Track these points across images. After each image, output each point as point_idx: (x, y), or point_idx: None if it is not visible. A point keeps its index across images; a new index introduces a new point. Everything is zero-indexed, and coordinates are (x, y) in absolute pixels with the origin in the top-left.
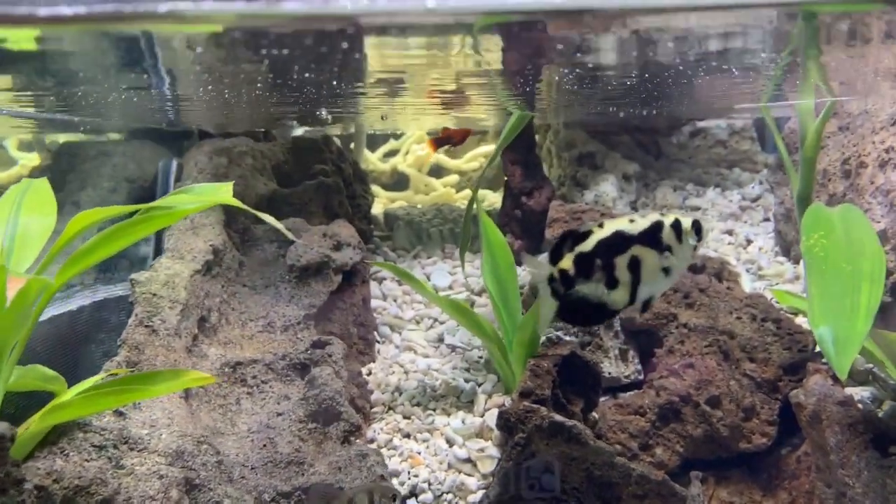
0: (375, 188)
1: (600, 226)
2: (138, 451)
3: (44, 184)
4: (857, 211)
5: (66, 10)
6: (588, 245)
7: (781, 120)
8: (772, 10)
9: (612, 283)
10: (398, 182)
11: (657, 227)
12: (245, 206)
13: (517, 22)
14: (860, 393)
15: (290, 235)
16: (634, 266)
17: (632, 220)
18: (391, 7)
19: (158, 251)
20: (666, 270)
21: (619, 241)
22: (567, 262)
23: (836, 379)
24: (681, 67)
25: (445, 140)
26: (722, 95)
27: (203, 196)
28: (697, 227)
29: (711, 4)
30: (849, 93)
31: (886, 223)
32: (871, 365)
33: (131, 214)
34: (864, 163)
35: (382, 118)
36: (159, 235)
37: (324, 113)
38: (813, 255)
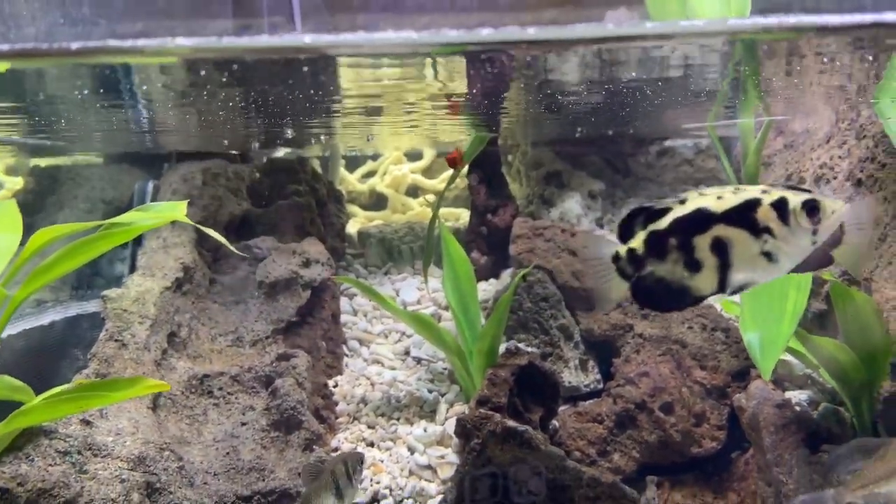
0: (354, 208)
1: (682, 202)
2: (102, 457)
3: (11, 204)
4: None
5: (29, 46)
6: (663, 223)
7: (735, 139)
8: (713, 39)
9: (693, 266)
10: (378, 202)
11: (750, 205)
12: (193, 223)
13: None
14: (798, 396)
15: (233, 249)
16: (720, 248)
17: (720, 197)
18: (323, 41)
19: (133, 269)
20: (768, 256)
21: (700, 220)
22: (637, 241)
23: (776, 384)
24: (632, 88)
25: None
26: (670, 115)
27: (160, 214)
28: (811, 207)
29: (657, 34)
30: (790, 112)
31: None
32: (809, 370)
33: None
34: (803, 178)
35: (368, 139)
36: (134, 254)
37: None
38: None
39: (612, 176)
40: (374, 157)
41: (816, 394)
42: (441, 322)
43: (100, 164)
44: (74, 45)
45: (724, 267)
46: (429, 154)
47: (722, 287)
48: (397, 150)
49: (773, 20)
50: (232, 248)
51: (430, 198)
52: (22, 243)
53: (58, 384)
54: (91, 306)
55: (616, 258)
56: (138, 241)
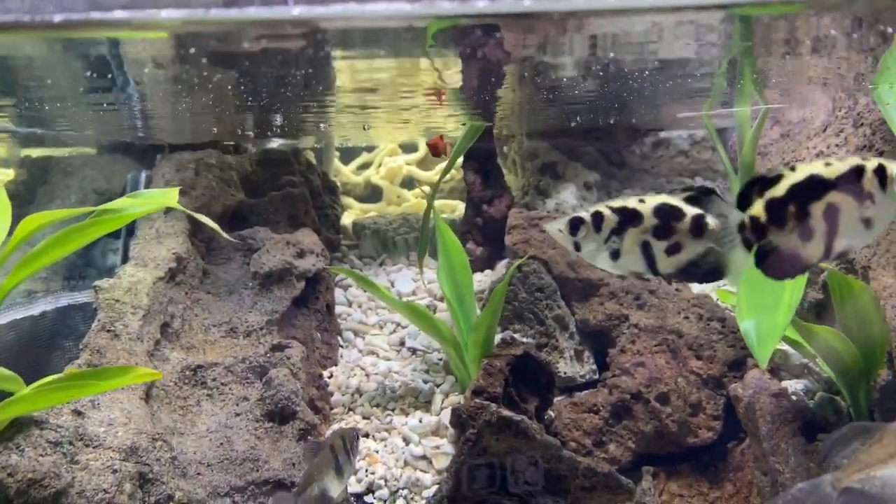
0: (349, 200)
1: (792, 169)
2: (94, 448)
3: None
4: None
5: (12, 18)
6: (780, 190)
7: (731, 130)
8: (707, 12)
9: (806, 234)
10: (373, 194)
11: (858, 171)
12: (186, 209)
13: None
14: (795, 385)
15: (225, 235)
16: (831, 215)
17: (828, 164)
18: (327, 13)
19: (126, 260)
20: (867, 222)
21: (815, 187)
22: (758, 209)
23: (773, 373)
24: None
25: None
26: (667, 104)
27: (152, 200)
28: None
29: (650, 6)
30: (786, 101)
31: None
32: (806, 360)
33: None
34: None
35: (365, 128)
36: (126, 245)
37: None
38: None
39: (608, 167)
40: (369, 149)
41: (813, 383)
42: (436, 313)
43: (92, 154)
44: (57, 18)
45: (831, 234)
46: (424, 145)
47: (826, 254)
48: (392, 141)
49: None
50: (225, 235)
51: (426, 189)
52: (11, 232)
53: (49, 375)
54: (83, 297)
55: (741, 227)
56: (131, 232)
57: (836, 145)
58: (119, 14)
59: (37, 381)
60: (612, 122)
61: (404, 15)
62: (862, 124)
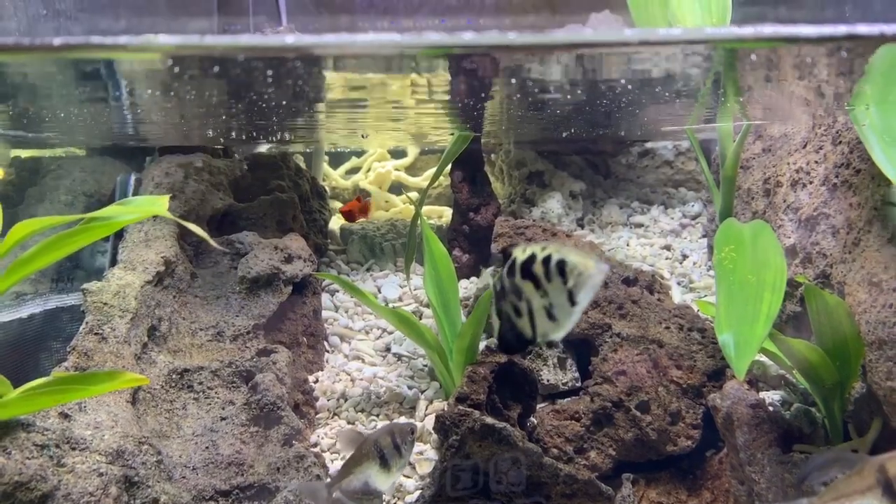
0: (338, 205)
1: None
2: (80, 451)
3: None
4: (766, 226)
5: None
6: None
7: (715, 141)
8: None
9: None
10: None
11: None
12: (174, 217)
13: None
14: (772, 396)
15: (214, 244)
16: None
17: None
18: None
19: (114, 263)
20: None
21: None
22: None
23: (751, 384)
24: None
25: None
26: (651, 119)
27: (141, 208)
28: None
29: (639, 40)
30: (769, 118)
31: (796, 238)
32: (783, 371)
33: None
34: (779, 182)
35: (363, 136)
36: (115, 247)
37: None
38: (723, 267)
39: (593, 176)
40: (359, 154)
41: (789, 394)
42: (422, 319)
43: (82, 156)
44: (57, 41)
45: None
46: (413, 151)
47: None
48: (381, 147)
49: (748, 30)
50: (213, 242)
51: (413, 195)
52: (2, 235)
53: (36, 377)
54: (71, 299)
55: None
56: (119, 235)
57: (816, 161)
58: (118, 39)
59: (24, 385)
60: (596, 135)
61: (395, 44)
62: (840, 142)
